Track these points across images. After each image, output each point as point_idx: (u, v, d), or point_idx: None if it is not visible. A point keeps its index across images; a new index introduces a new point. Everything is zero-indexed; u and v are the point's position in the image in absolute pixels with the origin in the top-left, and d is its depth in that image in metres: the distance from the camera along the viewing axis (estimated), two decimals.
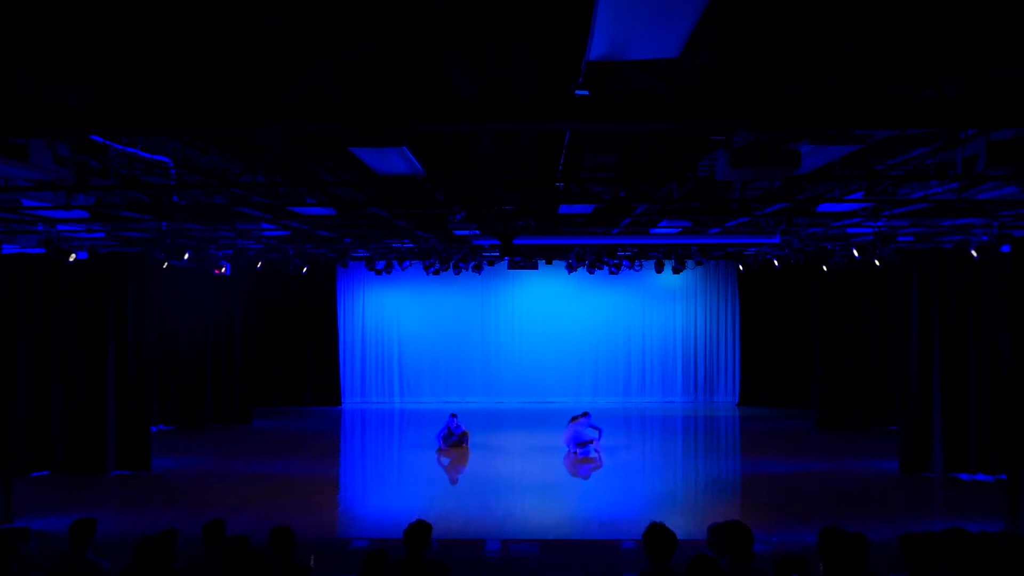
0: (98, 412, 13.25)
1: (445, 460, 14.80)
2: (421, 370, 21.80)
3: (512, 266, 17.48)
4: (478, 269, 17.81)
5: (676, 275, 18.74)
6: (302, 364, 21.11)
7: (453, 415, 15.82)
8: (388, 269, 17.03)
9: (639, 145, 8.21)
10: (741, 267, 20.47)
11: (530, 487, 12.67)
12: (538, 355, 21.58)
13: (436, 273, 17.39)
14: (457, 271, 17.46)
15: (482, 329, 21.73)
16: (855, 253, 13.64)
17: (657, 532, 4.97)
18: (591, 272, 17.72)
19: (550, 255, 18.32)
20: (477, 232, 12.64)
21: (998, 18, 4.28)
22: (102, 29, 4.44)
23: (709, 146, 7.31)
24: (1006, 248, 11.00)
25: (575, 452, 14.71)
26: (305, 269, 17.14)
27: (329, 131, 5.94)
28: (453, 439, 15.48)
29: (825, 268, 16.53)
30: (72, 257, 12.16)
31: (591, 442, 14.77)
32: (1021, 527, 9.78)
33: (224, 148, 7.74)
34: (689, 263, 17.33)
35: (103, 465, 13.16)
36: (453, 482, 13.79)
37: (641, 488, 13.25)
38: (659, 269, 17.52)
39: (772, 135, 4.71)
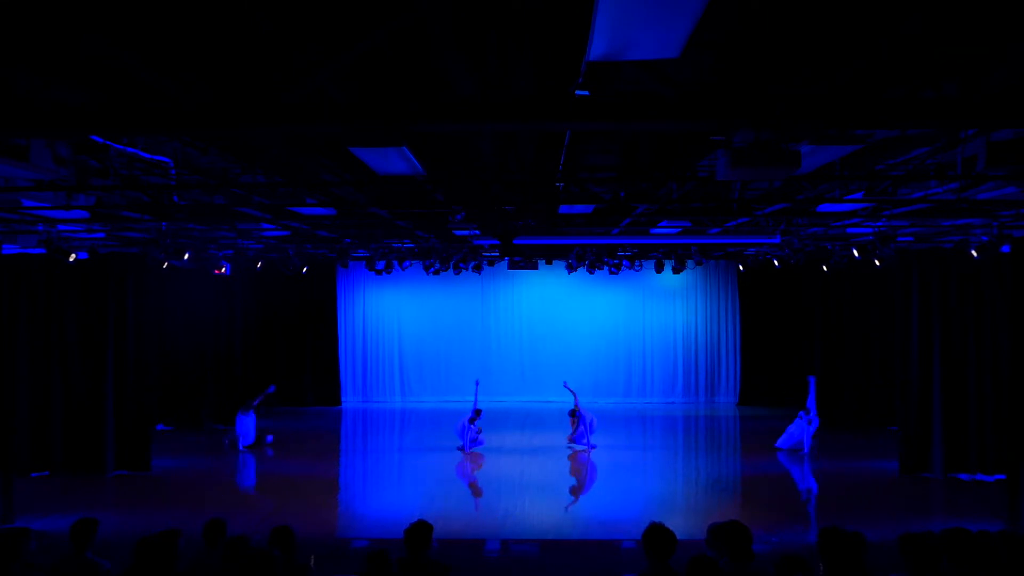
0: (98, 412, 13.23)
1: (445, 460, 14.77)
2: (421, 370, 21.80)
3: (512, 266, 17.48)
4: (478, 269, 17.81)
5: (676, 275, 18.74)
6: (302, 364, 21.09)
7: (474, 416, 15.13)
8: (388, 269, 17.02)
9: (639, 145, 8.21)
10: (741, 267, 20.45)
11: (530, 487, 12.65)
12: (538, 355, 21.58)
13: (436, 273, 17.40)
14: (457, 271, 17.48)
15: (482, 329, 21.72)
16: (855, 253, 13.64)
17: (657, 532, 4.98)
18: (591, 272, 17.73)
19: (550, 255, 18.31)
20: (477, 232, 12.64)
21: (998, 18, 4.28)
22: (103, 29, 4.43)
23: (709, 146, 7.31)
24: (1006, 248, 11.00)
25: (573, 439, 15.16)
26: (305, 269, 17.15)
27: (329, 131, 5.94)
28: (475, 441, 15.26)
29: (825, 268, 16.53)
30: (72, 257, 12.15)
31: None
32: (1021, 527, 9.78)
33: (224, 148, 7.75)
34: (689, 263, 17.32)
35: (103, 465, 13.14)
36: (453, 482, 13.78)
37: (641, 488, 13.24)
38: (659, 269, 17.53)
39: (772, 135, 4.71)
